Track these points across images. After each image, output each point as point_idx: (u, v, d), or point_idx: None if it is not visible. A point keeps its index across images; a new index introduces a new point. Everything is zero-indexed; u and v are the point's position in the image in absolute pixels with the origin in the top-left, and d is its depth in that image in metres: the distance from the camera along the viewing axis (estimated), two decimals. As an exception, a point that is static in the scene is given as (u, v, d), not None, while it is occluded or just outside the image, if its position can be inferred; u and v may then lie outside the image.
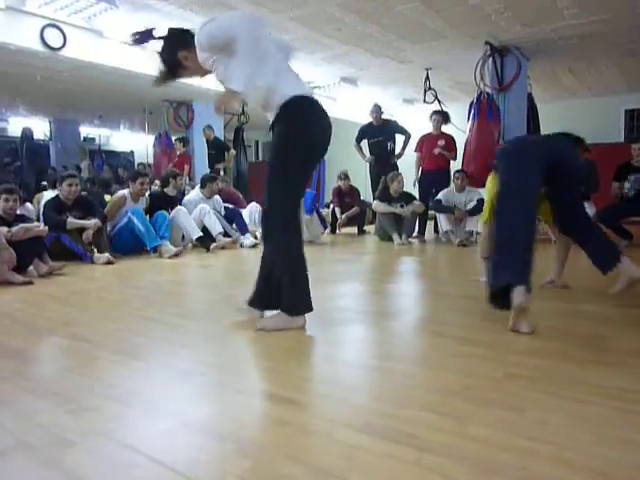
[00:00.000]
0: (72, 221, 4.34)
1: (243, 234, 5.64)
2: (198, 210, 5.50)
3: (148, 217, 5.06)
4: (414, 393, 1.50)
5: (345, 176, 7.06)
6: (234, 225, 5.79)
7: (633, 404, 1.38)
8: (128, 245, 4.83)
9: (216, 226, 5.45)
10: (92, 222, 4.39)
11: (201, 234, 5.23)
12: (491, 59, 6.50)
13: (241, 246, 5.50)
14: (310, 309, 2.16)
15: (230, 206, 6.00)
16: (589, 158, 5.67)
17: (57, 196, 4.54)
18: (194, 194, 5.89)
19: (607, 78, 8.39)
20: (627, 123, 9.79)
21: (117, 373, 1.69)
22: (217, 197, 5.96)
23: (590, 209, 5.40)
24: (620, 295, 2.66)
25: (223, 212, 5.86)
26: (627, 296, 2.71)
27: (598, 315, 2.42)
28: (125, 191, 5.06)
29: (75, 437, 1.23)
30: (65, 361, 1.90)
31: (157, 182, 7.10)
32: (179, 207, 5.33)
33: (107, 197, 6.03)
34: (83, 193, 5.02)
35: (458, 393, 1.47)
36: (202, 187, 5.80)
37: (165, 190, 5.55)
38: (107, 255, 4.30)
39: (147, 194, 5.47)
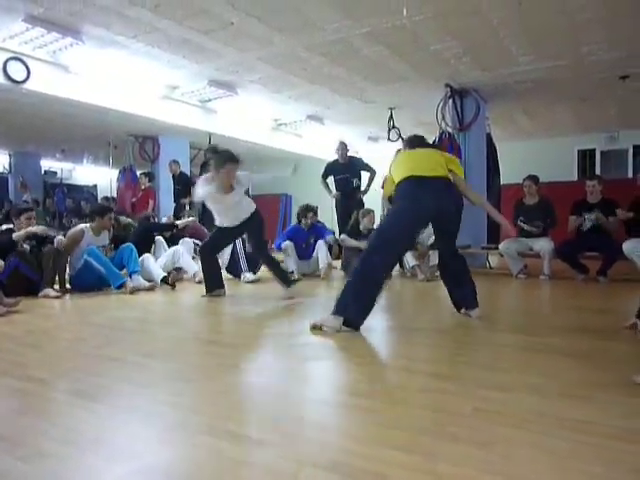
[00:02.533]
0: (17, 233, 4.27)
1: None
2: (172, 254, 5.53)
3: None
4: (382, 430, 1.48)
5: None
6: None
7: (596, 437, 1.39)
8: (91, 282, 4.69)
9: (191, 266, 5.49)
10: (38, 227, 4.37)
11: (165, 274, 5.11)
12: (451, 100, 6.78)
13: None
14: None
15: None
16: (545, 196, 5.93)
17: (12, 228, 4.44)
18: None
19: (561, 120, 8.84)
20: (580, 162, 10.30)
21: (73, 416, 1.61)
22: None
23: (548, 244, 5.58)
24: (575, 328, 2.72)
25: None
26: (589, 330, 2.78)
27: (561, 348, 2.46)
28: (83, 225, 4.91)
29: (26, 486, 1.16)
30: (17, 404, 1.79)
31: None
32: (145, 255, 5.26)
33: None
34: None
35: (427, 430, 1.46)
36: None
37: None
38: (52, 291, 4.28)
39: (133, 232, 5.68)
